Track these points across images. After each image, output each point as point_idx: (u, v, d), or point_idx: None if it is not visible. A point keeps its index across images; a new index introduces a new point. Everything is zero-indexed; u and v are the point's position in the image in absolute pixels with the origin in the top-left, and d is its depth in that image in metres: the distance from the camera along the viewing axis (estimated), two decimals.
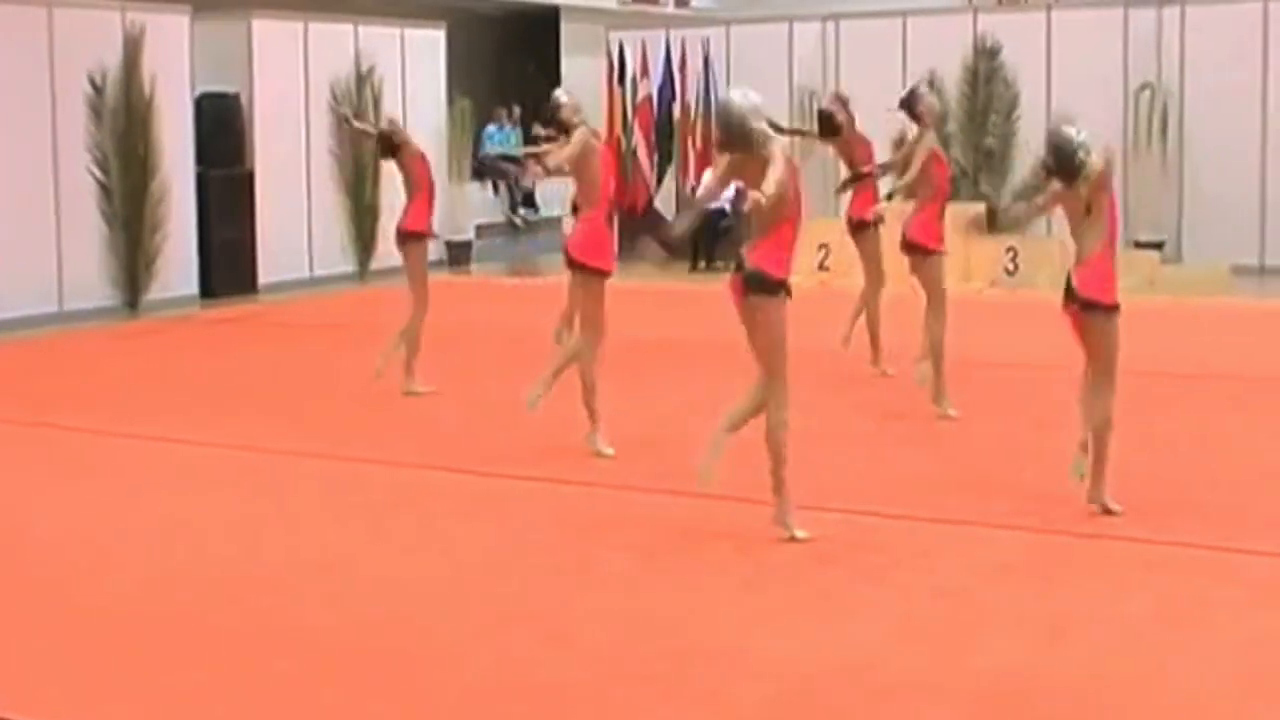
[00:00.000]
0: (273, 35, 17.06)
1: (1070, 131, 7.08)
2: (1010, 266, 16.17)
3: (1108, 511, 7.10)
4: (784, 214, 6.77)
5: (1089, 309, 7.04)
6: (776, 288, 6.80)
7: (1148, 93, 17.62)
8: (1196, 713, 4.97)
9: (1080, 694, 5.11)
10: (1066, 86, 17.78)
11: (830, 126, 11.09)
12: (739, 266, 6.86)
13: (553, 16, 23.99)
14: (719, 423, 7.06)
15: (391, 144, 10.95)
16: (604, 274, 8.64)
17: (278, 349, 13.06)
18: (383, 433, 9.48)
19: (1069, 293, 7.05)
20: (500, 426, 9.58)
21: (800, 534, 6.88)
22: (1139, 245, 17.15)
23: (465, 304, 16.00)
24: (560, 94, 8.98)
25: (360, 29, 18.13)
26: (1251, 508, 7.41)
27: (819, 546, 6.80)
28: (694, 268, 18.10)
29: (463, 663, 5.52)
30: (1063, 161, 7.07)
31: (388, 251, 18.15)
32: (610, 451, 8.59)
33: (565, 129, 8.80)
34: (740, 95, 6.84)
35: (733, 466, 8.12)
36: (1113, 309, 7.07)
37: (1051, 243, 16.87)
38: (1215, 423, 9.39)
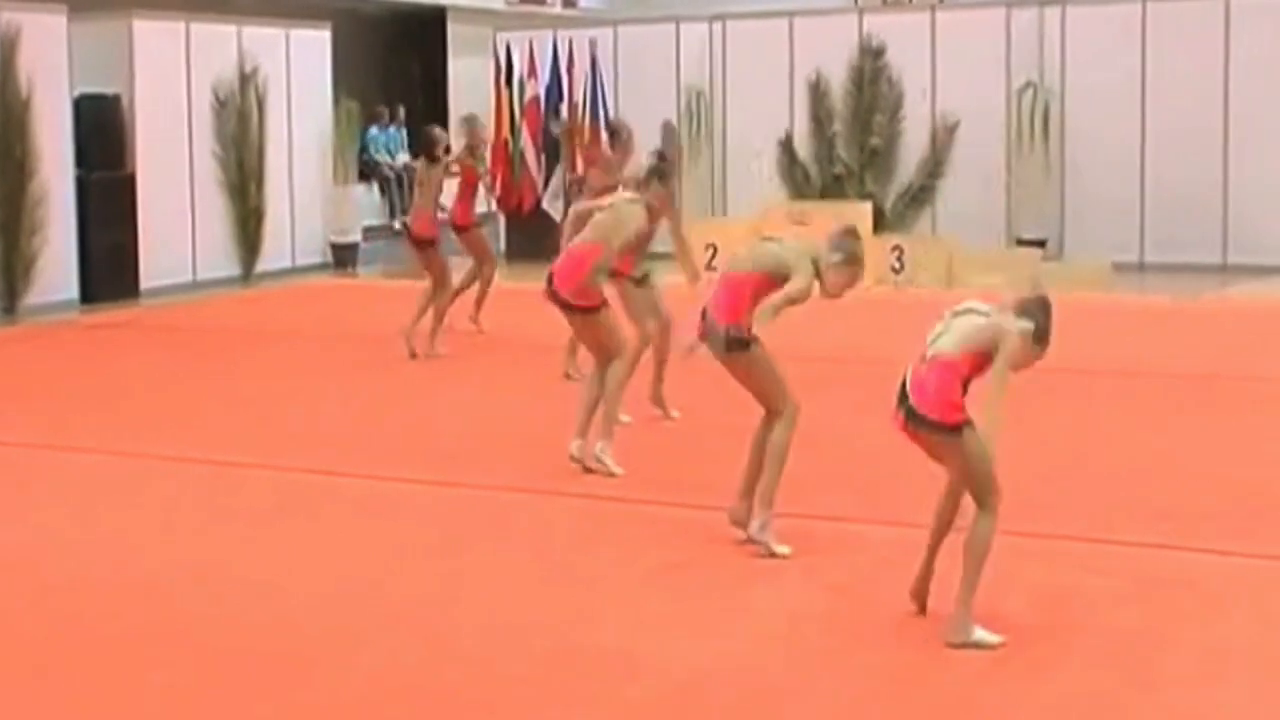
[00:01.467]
0: (154, 36, 16.80)
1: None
2: (896, 265, 16.32)
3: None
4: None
5: (924, 427, 5.55)
6: (748, 343, 6.69)
7: (1030, 92, 17.86)
8: (1074, 708, 5.02)
9: (962, 689, 5.16)
10: (950, 86, 18.01)
11: None
12: (704, 318, 6.73)
13: (439, 17, 23.86)
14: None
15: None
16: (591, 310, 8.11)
17: (160, 354, 12.86)
18: (267, 437, 9.36)
19: (903, 394, 5.60)
20: (387, 430, 9.51)
21: (781, 550, 6.64)
22: (1021, 243, 17.41)
23: (351, 306, 15.88)
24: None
25: (244, 30, 17.92)
26: (1128, 500, 7.52)
27: (704, 546, 6.80)
28: None
29: (342, 667, 5.46)
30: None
31: (272, 254, 18.14)
32: (619, 471, 8.07)
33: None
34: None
35: (625, 467, 8.11)
36: (956, 428, 5.52)
37: (936, 242, 17.10)
38: (1095, 416, 9.53)
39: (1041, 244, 17.26)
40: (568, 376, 10.59)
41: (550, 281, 8.10)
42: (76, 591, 6.39)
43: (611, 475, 8.00)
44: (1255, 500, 7.52)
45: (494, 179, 16.31)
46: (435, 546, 6.99)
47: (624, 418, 9.12)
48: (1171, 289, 15.44)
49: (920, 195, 18.17)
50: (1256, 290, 15.54)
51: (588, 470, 8.09)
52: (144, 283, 16.43)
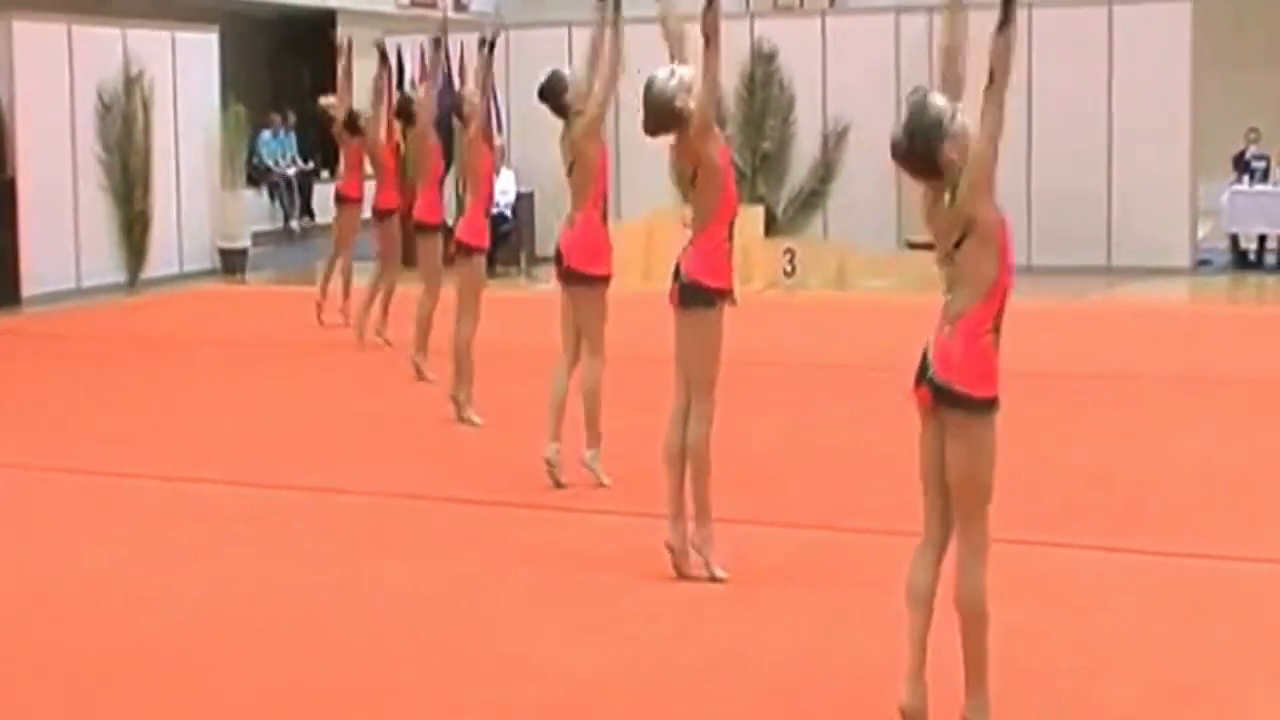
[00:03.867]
0: (35, 38, 16.47)
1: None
2: (788, 268, 16.41)
3: None
4: (716, 210, 6.38)
5: (950, 401, 4.79)
6: (714, 299, 6.28)
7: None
8: (956, 705, 5.06)
9: (848, 687, 5.19)
10: (841, 90, 18.13)
11: None
12: (676, 275, 6.35)
13: (329, 20, 23.69)
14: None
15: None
16: (604, 280, 7.66)
17: (43, 363, 12.63)
18: (154, 446, 9.22)
19: (924, 367, 4.81)
20: (275, 437, 9.40)
21: (720, 574, 6.30)
22: (912, 246, 17.48)
23: (240, 312, 15.70)
24: (568, 73, 8.20)
25: (129, 32, 17.63)
26: (1009, 497, 7.51)
27: (602, 551, 6.79)
28: None
29: (233, 676, 5.40)
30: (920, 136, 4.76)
31: (159, 260, 17.87)
32: (608, 481, 7.75)
33: (563, 114, 8.02)
34: (666, 74, 6.46)
35: (517, 472, 8.08)
36: (985, 404, 4.88)
37: (826, 246, 17.21)
38: None
39: (932, 247, 17.41)
40: (419, 375, 10.59)
41: (561, 260, 7.64)
42: None
43: (600, 485, 7.69)
44: (1136, 496, 7.64)
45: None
46: (325, 554, 6.92)
47: (476, 419, 9.12)
48: (1058, 291, 15.64)
49: (811, 199, 18.26)
50: (1140, 291, 15.83)
51: (559, 483, 7.72)
52: (26, 290, 16.08)
